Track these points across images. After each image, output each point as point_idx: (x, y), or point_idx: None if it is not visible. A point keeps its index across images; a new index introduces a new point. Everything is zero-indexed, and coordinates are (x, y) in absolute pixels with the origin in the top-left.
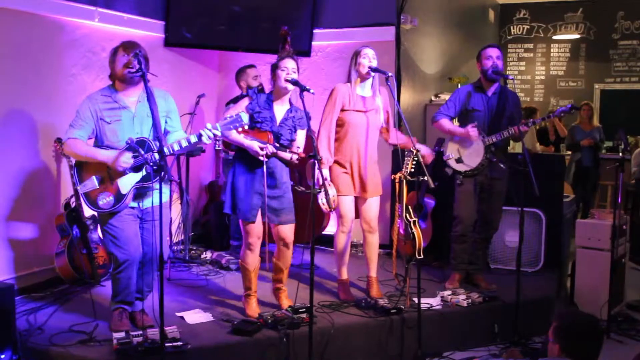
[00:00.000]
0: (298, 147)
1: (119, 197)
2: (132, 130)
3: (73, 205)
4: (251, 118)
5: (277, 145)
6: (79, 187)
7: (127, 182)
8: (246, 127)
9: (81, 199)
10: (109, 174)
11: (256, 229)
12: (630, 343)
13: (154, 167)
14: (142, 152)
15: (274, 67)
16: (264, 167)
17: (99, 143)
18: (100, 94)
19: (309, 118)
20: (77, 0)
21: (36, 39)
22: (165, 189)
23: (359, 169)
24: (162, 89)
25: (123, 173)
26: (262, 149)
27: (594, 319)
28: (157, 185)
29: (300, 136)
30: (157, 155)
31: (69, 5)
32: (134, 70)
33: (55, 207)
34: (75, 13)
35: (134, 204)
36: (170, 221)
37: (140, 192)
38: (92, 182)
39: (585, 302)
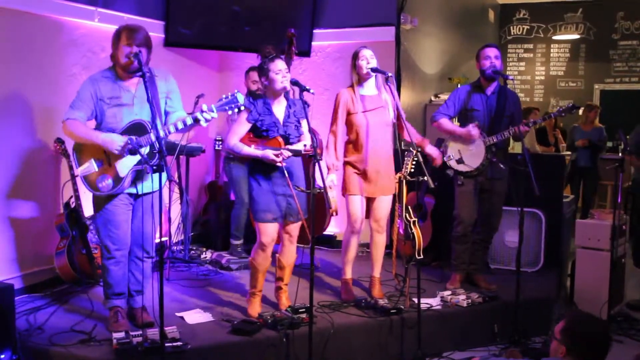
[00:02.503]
0: (305, 145)
1: (118, 179)
2: (131, 113)
3: (73, 205)
4: (256, 128)
5: (290, 147)
6: (78, 171)
7: (125, 165)
8: (238, 118)
9: (81, 182)
10: (107, 157)
11: (272, 230)
12: (630, 343)
13: (149, 162)
14: (137, 138)
15: (266, 71)
16: (285, 171)
17: (100, 125)
18: (102, 75)
19: (307, 105)
20: (76, 0)
21: (36, 38)
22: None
23: (372, 169)
24: (163, 69)
25: (121, 156)
26: (277, 155)
27: (605, 325)
28: (154, 172)
29: (305, 127)
30: (152, 137)
31: (69, 5)
32: (132, 70)
33: (55, 207)
34: (75, 13)
35: (132, 190)
36: (161, 209)
37: (138, 176)
38: (92, 166)
39: (585, 301)
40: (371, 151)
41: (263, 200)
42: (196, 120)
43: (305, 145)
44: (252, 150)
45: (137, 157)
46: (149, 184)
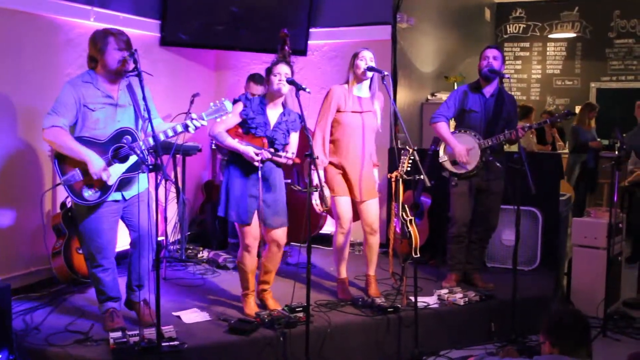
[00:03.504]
0: (293, 153)
1: (105, 188)
2: (114, 119)
3: (69, 205)
4: (245, 123)
5: (272, 150)
6: (62, 180)
7: (114, 174)
8: (234, 123)
9: (65, 190)
10: None
11: (253, 230)
12: (626, 341)
13: (146, 162)
14: (129, 143)
15: (268, 72)
16: (259, 172)
17: (78, 130)
18: (81, 79)
19: (303, 120)
20: (73, 0)
21: (32, 38)
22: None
23: (354, 171)
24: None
25: (109, 164)
26: (257, 154)
27: (575, 310)
28: (141, 175)
29: (294, 139)
30: (142, 145)
31: (65, 4)
32: (129, 69)
33: (51, 207)
34: (71, 13)
35: (118, 196)
36: (157, 203)
37: (124, 181)
38: (77, 174)
39: (582, 300)
40: (356, 154)
41: (237, 202)
42: (186, 128)
43: (286, 161)
44: (235, 142)
45: (126, 165)
46: (135, 187)
